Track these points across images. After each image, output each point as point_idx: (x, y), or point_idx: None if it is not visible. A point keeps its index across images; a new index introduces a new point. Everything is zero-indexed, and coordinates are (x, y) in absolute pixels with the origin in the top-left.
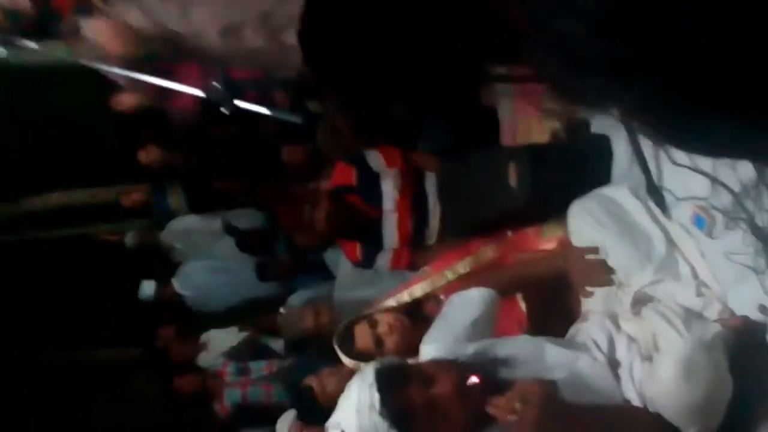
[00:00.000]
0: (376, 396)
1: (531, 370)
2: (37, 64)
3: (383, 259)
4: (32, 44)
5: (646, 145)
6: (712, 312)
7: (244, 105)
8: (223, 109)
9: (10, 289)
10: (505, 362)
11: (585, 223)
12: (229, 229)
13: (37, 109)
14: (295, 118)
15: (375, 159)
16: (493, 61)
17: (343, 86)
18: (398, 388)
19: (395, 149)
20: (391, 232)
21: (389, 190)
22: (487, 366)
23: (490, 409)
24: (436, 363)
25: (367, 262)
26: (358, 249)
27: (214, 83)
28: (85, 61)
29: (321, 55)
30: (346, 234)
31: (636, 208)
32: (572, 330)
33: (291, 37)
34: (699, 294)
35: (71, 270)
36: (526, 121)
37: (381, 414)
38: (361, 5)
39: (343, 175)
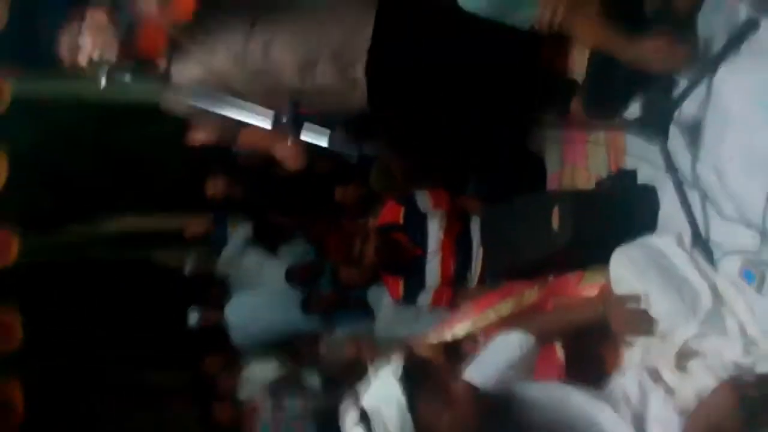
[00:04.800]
0: (401, 368)
1: (549, 415)
2: (120, 100)
3: (425, 298)
4: (128, 78)
5: (694, 198)
6: (761, 370)
7: (308, 137)
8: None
9: (77, 304)
10: (526, 403)
11: (628, 271)
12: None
13: (119, 141)
14: (352, 151)
15: (423, 199)
16: (542, 108)
17: (399, 124)
18: (422, 368)
19: (444, 191)
20: (433, 272)
21: (435, 231)
22: (508, 403)
23: None
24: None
25: (409, 299)
26: (400, 286)
27: (283, 117)
28: (172, 101)
29: (382, 89)
30: (391, 270)
31: (681, 259)
32: (611, 385)
33: (358, 72)
34: (747, 351)
35: (133, 291)
36: (572, 169)
37: (400, 379)
38: (421, 46)
39: (392, 213)
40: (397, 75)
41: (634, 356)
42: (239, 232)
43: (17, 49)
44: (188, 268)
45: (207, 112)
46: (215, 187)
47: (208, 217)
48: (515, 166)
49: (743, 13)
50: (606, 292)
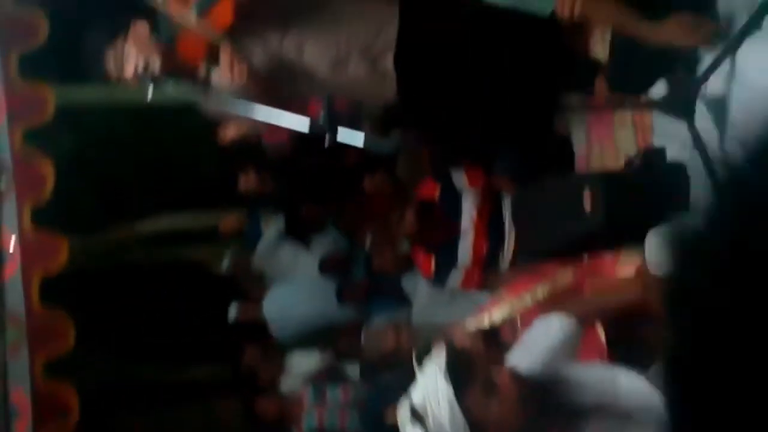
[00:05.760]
0: (445, 362)
1: (599, 396)
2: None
3: (455, 277)
4: (171, 85)
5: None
6: None
7: (343, 137)
8: (326, 140)
9: (118, 305)
10: (573, 385)
11: (664, 253)
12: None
13: (154, 140)
14: (387, 148)
15: (459, 177)
16: (567, 89)
17: (428, 111)
18: (466, 361)
19: (479, 170)
20: (465, 250)
21: (468, 209)
22: (555, 387)
23: None
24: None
25: (440, 277)
26: (432, 263)
27: (320, 117)
28: (214, 106)
29: (411, 78)
30: (425, 243)
31: None
32: (657, 364)
33: (388, 63)
34: None
35: (172, 289)
36: (600, 148)
37: (445, 373)
38: (445, 35)
39: (428, 189)
40: (424, 64)
41: None
42: (272, 227)
43: (58, 61)
44: (225, 264)
45: (246, 117)
46: (247, 182)
47: (242, 213)
48: (542, 145)
49: None
50: (643, 272)
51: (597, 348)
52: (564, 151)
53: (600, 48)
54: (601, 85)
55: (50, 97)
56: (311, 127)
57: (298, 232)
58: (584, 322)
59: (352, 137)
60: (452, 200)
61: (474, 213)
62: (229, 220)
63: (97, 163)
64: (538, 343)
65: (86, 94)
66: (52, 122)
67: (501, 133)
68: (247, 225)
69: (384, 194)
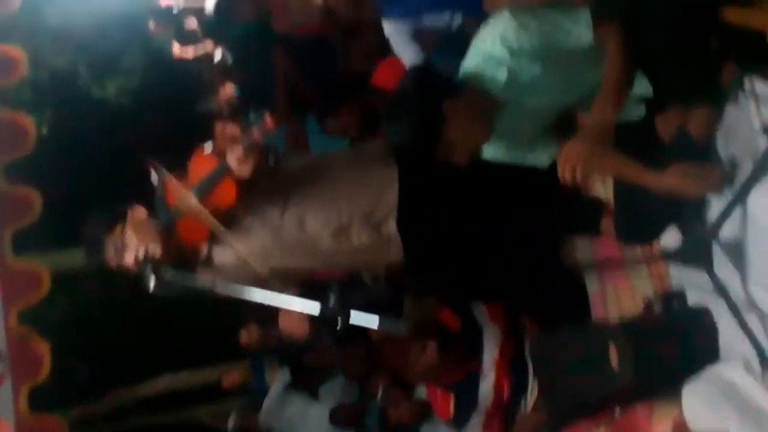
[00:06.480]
0: None
1: None
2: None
3: (476, 421)
4: (171, 273)
5: (752, 319)
6: None
7: (356, 319)
8: (338, 325)
9: None
10: None
11: (702, 410)
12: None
13: (148, 301)
14: (402, 329)
15: (480, 312)
16: (572, 230)
17: (437, 265)
18: None
19: (499, 307)
20: (486, 391)
21: (490, 347)
22: None
23: None
24: None
25: (460, 420)
26: (451, 404)
27: (331, 300)
28: (218, 290)
29: (416, 237)
30: (444, 380)
31: (753, 389)
32: None
33: (391, 227)
34: None
35: None
36: (615, 290)
37: None
38: (447, 191)
39: (448, 320)
40: (428, 222)
41: None
42: (278, 379)
43: (52, 232)
44: (231, 423)
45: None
46: (249, 335)
47: (245, 367)
48: (553, 287)
49: (763, 140)
50: (680, 427)
51: None
52: (578, 291)
53: (601, 188)
54: (607, 225)
55: (44, 275)
56: (322, 311)
57: (305, 383)
58: None
59: (365, 320)
60: (473, 335)
61: (495, 352)
62: (231, 376)
63: (93, 330)
64: None
65: (80, 259)
66: (47, 297)
67: (510, 277)
68: (252, 380)
69: (392, 341)
